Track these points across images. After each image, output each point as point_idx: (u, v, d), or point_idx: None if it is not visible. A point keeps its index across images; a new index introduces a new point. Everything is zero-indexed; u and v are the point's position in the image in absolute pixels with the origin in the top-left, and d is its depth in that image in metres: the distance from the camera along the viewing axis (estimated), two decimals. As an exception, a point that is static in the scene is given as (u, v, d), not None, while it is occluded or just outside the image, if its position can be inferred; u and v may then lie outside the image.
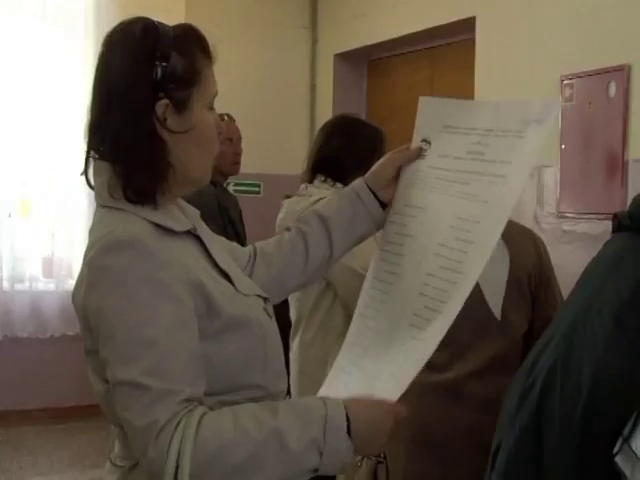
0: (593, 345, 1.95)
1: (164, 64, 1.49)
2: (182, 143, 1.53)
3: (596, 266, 2.12)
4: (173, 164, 1.51)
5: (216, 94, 1.61)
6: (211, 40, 1.58)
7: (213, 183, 4.15)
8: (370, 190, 1.82)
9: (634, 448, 1.60)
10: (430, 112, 1.86)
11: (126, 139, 1.48)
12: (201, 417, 1.35)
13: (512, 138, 1.67)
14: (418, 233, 1.73)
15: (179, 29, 1.55)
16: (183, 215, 1.60)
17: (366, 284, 1.82)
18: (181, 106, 1.52)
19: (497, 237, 1.59)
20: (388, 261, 1.78)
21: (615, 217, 2.18)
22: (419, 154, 1.81)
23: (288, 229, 1.86)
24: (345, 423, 1.42)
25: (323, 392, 1.71)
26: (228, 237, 4.64)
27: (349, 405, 1.45)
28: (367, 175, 1.85)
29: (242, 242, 4.43)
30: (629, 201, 2.06)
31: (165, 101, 1.50)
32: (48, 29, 6.08)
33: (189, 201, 1.69)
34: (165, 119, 1.50)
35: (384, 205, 1.82)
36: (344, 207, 1.82)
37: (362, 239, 1.86)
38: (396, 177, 1.82)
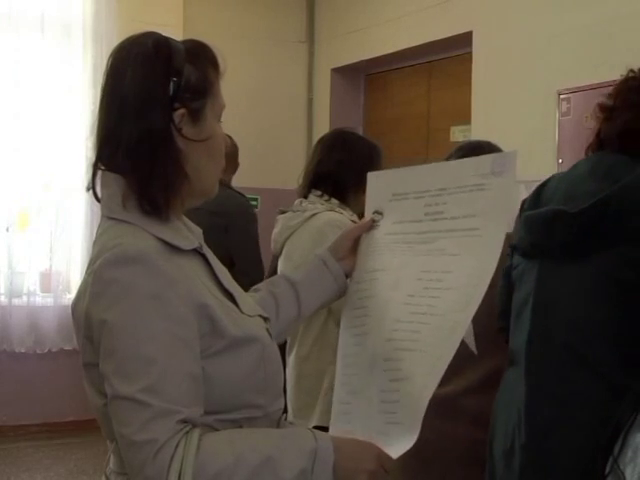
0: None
1: (179, 75, 1.51)
2: (196, 152, 1.54)
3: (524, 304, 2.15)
4: (188, 174, 1.53)
5: (224, 107, 1.63)
6: (219, 55, 1.61)
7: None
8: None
9: (622, 467, 1.60)
10: (378, 185, 1.94)
11: (144, 149, 1.48)
12: (200, 440, 1.36)
13: (470, 192, 1.72)
14: (380, 291, 1.79)
15: (189, 43, 1.58)
16: (189, 232, 1.60)
17: (338, 356, 1.86)
18: (196, 115, 1.54)
19: (483, 286, 1.61)
20: (354, 326, 1.83)
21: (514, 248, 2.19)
22: (372, 225, 1.89)
23: (256, 290, 1.90)
24: (332, 457, 1.45)
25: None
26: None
27: (336, 442, 1.48)
28: (329, 246, 1.93)
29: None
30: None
31: (182, 110, 1.52)
32: (46, 43, 6.09)
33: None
34: (181, 129, 1.52)
35: (346, 276, 1.90)
36: (311, 272, 1.89)
37: (327, 303, 1.94)
38: (354, 249, 1.90)
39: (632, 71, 2.20)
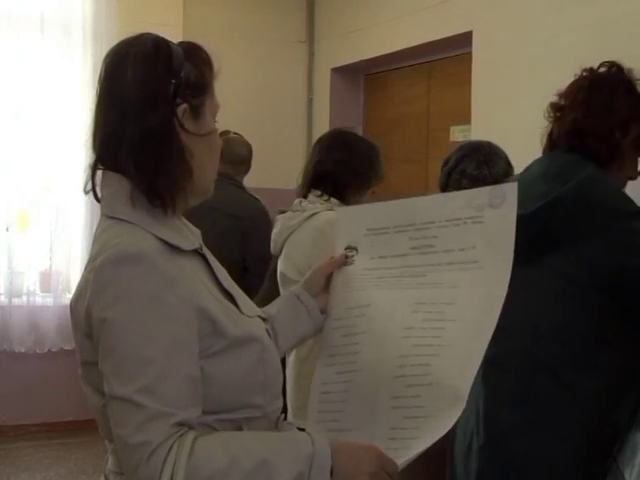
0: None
1: (180, 72, 1.53)
2: (198, 148, 1.56)
3: None
4: (193, 169, 1.53)
5: (218, 108, 1.65)
6: (214, 56, 1.63)
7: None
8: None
9: (620, 467, 1.60)
10: (349, 220, 1.89)
11: (148, 147, 1.49)
12: (193, 443, 1.36)
13: (464, 225, 1.67)
14: (372, 327, 1.74)
15: (185, 44, 1.60)
16: (189, 233, 1.61)
17: (313, 393, 1.82)
18: (197, 112, 1.56)
19: (495, 315, 1.58)
20: (339, 363, 1.78)
21: None
22: (344, 261, 1.85)
23: None
24: (330, 462, 1.44)
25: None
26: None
27: (334, 445, 1.47)
28: (302, 283, 1.90)
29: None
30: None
31: (184, 106, 1.54)
32: (46, 43, 6.08)
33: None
34: (183, 124, 1.53)
35: (321, 312, 1.87)
36: (286, 307, 1.86)
37: (304, 339, 1.91)
38: (327, 285, 1.87)
39: (585, 70, 2.19)
